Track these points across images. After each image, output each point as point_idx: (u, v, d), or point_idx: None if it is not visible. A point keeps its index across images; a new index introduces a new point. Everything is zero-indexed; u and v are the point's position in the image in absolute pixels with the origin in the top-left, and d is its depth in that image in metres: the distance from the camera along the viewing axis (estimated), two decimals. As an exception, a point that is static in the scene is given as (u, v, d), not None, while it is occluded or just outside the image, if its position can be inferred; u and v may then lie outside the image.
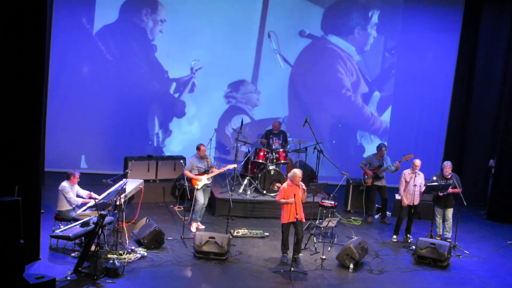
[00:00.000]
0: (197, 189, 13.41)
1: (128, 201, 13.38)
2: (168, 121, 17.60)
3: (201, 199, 13.47)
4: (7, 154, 10.31)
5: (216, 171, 13.56)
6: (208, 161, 13.46)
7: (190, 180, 13.43)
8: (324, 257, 12.15)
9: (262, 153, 15.18)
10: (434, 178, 13.80)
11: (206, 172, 13.46)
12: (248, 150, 15.54)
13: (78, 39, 16.70)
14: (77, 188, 12.40)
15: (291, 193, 11.81)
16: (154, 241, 12.21)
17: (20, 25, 10.20)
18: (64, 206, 12.11)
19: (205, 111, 17.70)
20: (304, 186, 12.10)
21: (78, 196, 12.33)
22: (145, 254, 11.83)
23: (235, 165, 14.76)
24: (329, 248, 12.88)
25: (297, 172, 11.98)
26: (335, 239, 13.45)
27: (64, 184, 12.17)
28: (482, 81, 17.46)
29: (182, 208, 14.54)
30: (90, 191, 12.45)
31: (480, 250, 13.68)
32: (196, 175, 13.40)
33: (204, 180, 13.42)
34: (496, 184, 16.27)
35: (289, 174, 12.08)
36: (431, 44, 18.30)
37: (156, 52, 17.22)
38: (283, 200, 11.89)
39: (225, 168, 13.79)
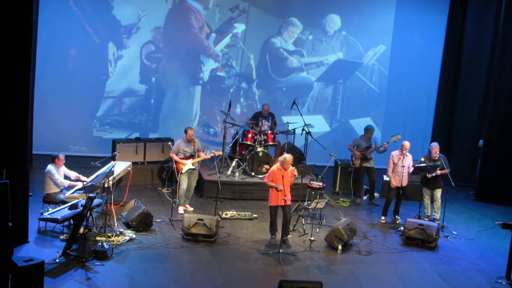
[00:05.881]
0: (181, 173, 13.36)
1: (117, 184, 13.34)
2: (156, 102, 17.52)
3: (184, 184, 13.41)
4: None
5: (201, 157, 13.50)
6: (195, 145, 13.38)
7: (176, 162, 13.41)
8: (312, 238, 12.19)
9: (250, 135, 15.16)
10: (422, 159, 13.83)
11: (191, 156, 13.42)
12: (236, 132, 15.51)
13: (65, 21, 16.52)
14: (64, 169, 12.36)
15: (280, 176, 11.79)
16: (143, 223, 12.20)
17: (6, 8, 10.09)
18: (52, 189, 12.08)
19: (194, 92, 17.62)
20: (295, 172, 12.06)
21: (66, 177, 12.34)
22: (134, 236, 11.83)
23: (221, 152, 14.75)
24: (318, 230, 12.91)
25: (288, 157, 11.90)
26: (324, 221, 13.49)
27: (50, 167, 12.11)
28: (470, 62, 17.43)
29: (170, 190, 14.52)
30: (80, 174, 12.41)
31: (468, 231, 13.76)
32: (181, 159, 13.36)
33: (189, 165, 13.36)
34: (485, 164, 16.31)
35: (280, 158, 11.99)
36: (419, 24, 18.24)
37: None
38: (271, 184, 11.87)
39: (210, 155, 13.78)
